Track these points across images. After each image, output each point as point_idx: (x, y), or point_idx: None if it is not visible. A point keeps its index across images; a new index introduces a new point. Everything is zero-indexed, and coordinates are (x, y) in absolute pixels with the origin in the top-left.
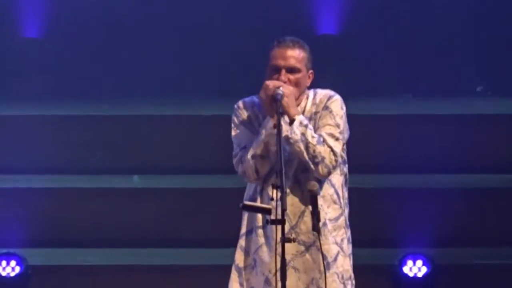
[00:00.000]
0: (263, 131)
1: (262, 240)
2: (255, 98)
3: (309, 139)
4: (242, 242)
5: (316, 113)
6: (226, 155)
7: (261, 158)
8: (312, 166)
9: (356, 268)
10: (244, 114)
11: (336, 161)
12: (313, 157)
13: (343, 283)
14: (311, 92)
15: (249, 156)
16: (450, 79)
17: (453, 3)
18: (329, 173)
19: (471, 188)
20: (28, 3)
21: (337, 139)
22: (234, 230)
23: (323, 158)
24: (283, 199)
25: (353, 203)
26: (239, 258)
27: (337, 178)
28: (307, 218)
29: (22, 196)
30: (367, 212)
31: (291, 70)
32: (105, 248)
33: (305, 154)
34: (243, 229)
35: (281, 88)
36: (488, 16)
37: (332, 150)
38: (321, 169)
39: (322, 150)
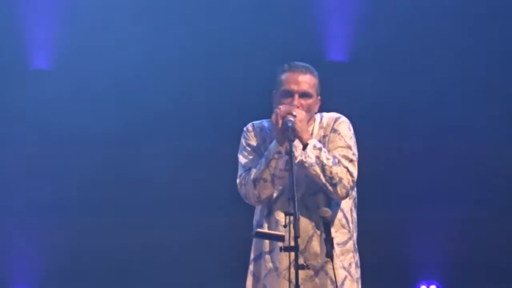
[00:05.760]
0: (268, 156)
1: (270, 265)
2: (264, 122)
3: (325, 161)
4: (251, 267)
5: (324, 136)
6: None
7: (264, 182)
8: (330, 188)
9: None
10: (253, 137)
11: (353, 181)
12: (330, 179)
13: None
14: (317, 116)
15: (251, 178)
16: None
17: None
18: (347, 194)
19: (485, 217)
20: None
21: (351, 160)
22: None
23: (340, 179)
24: (296, 226)
25: (367, 228)
26: (249, 284)
27: (346, 202)
28: (315, 242)
29: None
30: (381, 238)
31: (304, 95)
32: None
33: (321, 176)
34: (252, 255)
35: (293, 113)
36: None
37: (348, 170)
38: (340, 190)
39: (338, 171)
